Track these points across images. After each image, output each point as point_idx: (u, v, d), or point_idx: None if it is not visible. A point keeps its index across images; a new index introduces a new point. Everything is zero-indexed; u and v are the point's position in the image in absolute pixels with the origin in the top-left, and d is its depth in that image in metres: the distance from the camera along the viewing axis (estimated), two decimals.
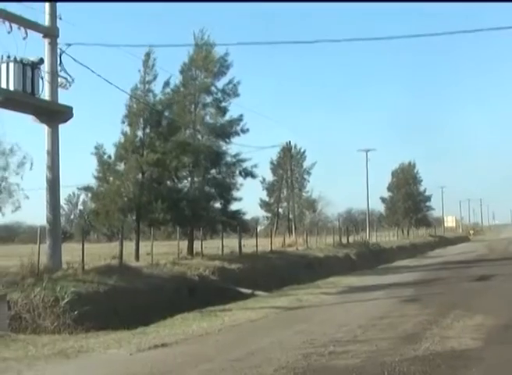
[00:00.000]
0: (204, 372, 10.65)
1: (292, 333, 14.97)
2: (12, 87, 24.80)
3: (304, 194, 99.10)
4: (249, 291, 28.70)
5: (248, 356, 11.96)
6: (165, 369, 10.89)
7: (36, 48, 27.48)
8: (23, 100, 25.49)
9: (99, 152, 37.42)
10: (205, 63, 41.25)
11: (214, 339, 14.54)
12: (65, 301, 18.61)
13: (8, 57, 24.84)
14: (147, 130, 38.02)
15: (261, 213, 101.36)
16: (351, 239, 61.42)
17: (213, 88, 41.73)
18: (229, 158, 41.75)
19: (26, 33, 25.54)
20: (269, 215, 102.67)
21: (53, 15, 27.08)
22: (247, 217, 50.12)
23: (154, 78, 38.04)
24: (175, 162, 37.87)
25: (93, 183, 38.38)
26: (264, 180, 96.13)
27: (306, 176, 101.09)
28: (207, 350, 13.02)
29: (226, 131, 41.49)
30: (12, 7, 25.01)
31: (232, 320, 17.74)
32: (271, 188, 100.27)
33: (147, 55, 37.52)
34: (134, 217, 37.82)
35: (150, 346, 12.95)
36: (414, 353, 11.95)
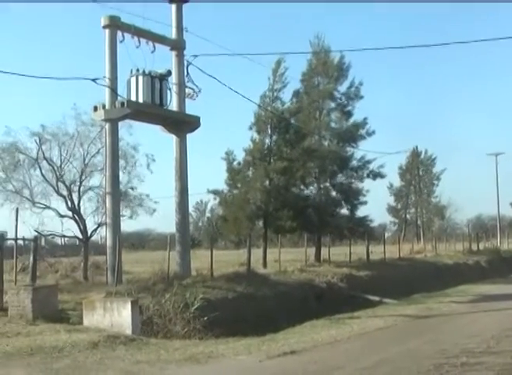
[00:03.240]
0: None
1: (422, 343, 14.64)
2: (141, 100, 25.57)
3: (432, 199, 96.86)
4: (377, 299, 28.34)
5: (378, 365, 11.77)
6: None
7: (163, 60, 28.22)
8: (152, 111, 26.22)
9: (229, 158, 37.91)
10: (325, 69, 41.22)
11: (343, 347, 14.42)
12: (195, 307, 18.90)
13: (138, 70, 25.64)
14: (275, 138, 38.21)
15: (388, 220, 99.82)
16: (481, 246, 59.54)
17: (336, 93, 41.62)
18: (354, 163, 41.44)
19: (154, 47, 26.31)
20: (397, 221, 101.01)
21: (179, 28, 27.76)
22: (374, 224, 49.55)
23: (284, 86, 38.22)
24: (301, 170, 37.92)
25: (221, 189, 38.94)
26: (391, 185, 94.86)
27: (435, 182, 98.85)
28: (336, 358, 12.91)
29: (352, 135, 41.18)
30: (139, 22, 25.81)
31: (361, 328, 17.55)
32: (398, 194, 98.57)
33: (278, 63, 37.73)
34: (262, 224, 38.05)
35: (279, 353, 12.94)
36: None
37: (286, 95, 38.95)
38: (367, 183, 41.85)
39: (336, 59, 41.51)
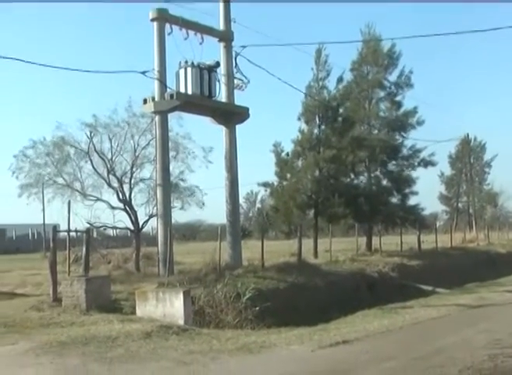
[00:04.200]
0: (387, 370, 10.46)
1: (475, 333, 14.44)
2: (190, 91, 25.64)
3: (484, 187, 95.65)
4: (429, 288, 28.08)
5: (431, 355, 11.64)
6: (346, 367, 10.81)
7: (211, 52, 28.27)
8: (201, 103, 26.28)
9: (277, 150, 37.92)
10: (374, 58, 40.90)
11: (395, 336, 14.31)
12: (247, 297, 18.95)
13: (186, 62, 25.69)
14: (323, 127, 38.08)
15: (439, 208, 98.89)
16: None
17: (385, 82, 41.29)
18: (405, 151, 41.12)
19: (202, 39, 26.34)
20: (448, 209, 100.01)
21: (227, 19, 27.77)
22: (426, 213, 49.06)
23: (328, 75, 38.12)
24: (351, 158, 37.77)
25: (271, 180, 38.96)
26: (442, 174, 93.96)
27: (486, 169, 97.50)
28: (388, 348, 12.82)
29: (401, 124, 40.85)
30: (187, 14, 25.87)
31: (414, 318, 17.38)
32: (449, 182, 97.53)
33: (318, 51, 37.62)
34: (312, 214, 38.00)
35: (331, 343, 12.90)
36: None
37: (332, 84, 38.85)
38: (417, 172, 41.58)
39: (386, 48, 41.22)
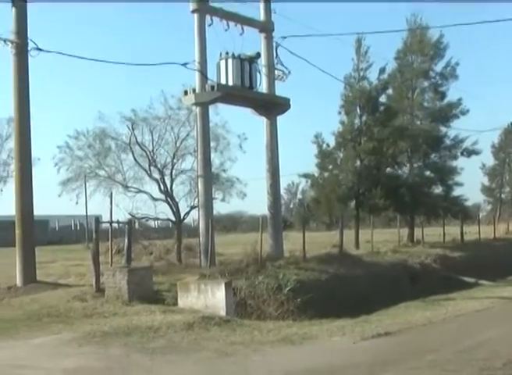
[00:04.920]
0: (429, 362, 10.35)
1: None
2: (231, 82, 25.63)
3: None
4: (472, 280, 27.76)
5: (474, 348, 11.48)
6: (389, 359, 10.73)
7: (251, 43, 28.20)
8: (242, 94, 26.26)
9: (318, 141, 37.83)
10: (420, 47, 40.49)
11: (438, 329, 14.17)
12: (288, 288, 18.92)
13: (227, 53, 25.67)
14: (364, 118, 37.88)
15: (481, 199, 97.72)
16: None
17: (430, 72, 40.84)
18: (448, 142, 40.68)
19: (243, 30, 26.30)
20: (491, 200, 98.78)
21: (267, 10, 27.69)
22: (468, 203, 48.52)
23: (370, 65, 37.89)
24: (392, 149, 37.50)
25: (312, 171, 38.91)
26: (484, 165, 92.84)
27: None
28: (431, 340, 12.70)
29: (445, 115, 40.43)
30: (228, 5, 25.85)
31: (457, 310, 17.20)
32: (492, 173, 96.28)
33: (358, 41, 37.40)
34: (353, 205, 37.87)
35: (373, 334, 12.81)
36: None
37: (373, 75, 38.62)
38: (460, 162, 41.17)
39: (433, 38, 40.74)
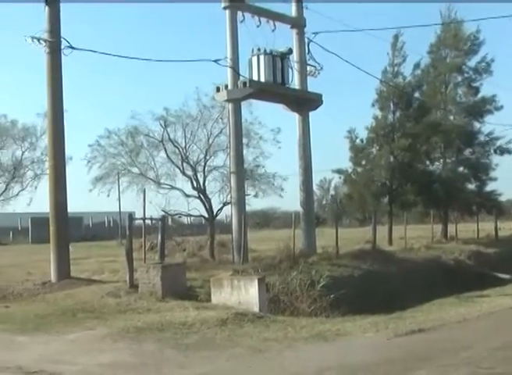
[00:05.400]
0: (464, 359, 10.24)
1: None
2: (263, 79, 25.64)
3: None
4: (507, 277, 27.50)
5: (509, 345, 11.28)
6: (423, 355, 10.64)
7: (283, 39, 28.17)
8: (274, 90, 26.25)
9: (351, 136, 37.72)
10: (454, 42, 40.10)
11: (472, 326, 14.02)
12: (321, 284, 18.86)
13: (259, 50, 25.68)
14: (398, 113, 37.69)
15: None
16: None
17: (464, 67, 40.43)
18: (482, 138, 40.28)
19: (275, 26, 26.27)
20: None
21: (299, 6, 27.64)
22: (502, 199, 47.98)
23: (404, 60, 37.70)
24: (426, 145, 37.27)
25: (345, 167, 38.82)
26: None
27: None
28: (465, 337, 12.57)
29: (479, 110, 40.02)
30: (259, 2, 25.85)
31: (491, 307, 17.01)
32: None
33: (395, 37, 37.20)
34: (387, 201, 37.71)
35: (407, 331, 12.72)
36: None
37: (407, 70, 38.40)
38: (496, 158, 40.72)
39: (468, 32, 40.31)
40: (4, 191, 29.37)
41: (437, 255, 29.53)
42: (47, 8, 20.76)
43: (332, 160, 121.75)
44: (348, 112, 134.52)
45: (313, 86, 28.29)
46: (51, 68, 21.04)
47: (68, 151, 22.24)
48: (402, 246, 31.42)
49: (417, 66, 38.93)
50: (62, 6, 20.95)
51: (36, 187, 29.55)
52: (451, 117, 40.87)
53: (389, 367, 9.68)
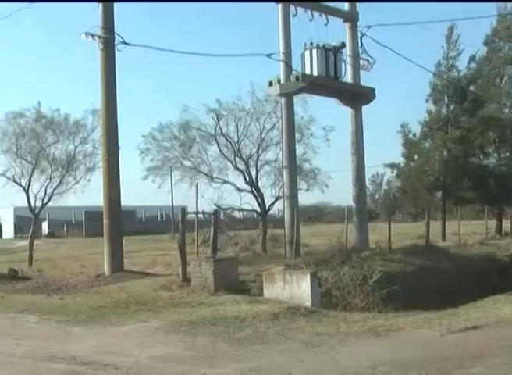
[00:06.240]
0: None
1: None
2: (316, 73, 25.55)
3: None
4: None
5: None
6: (477, 353, 10.51)
7: (336, 32, 28.04)
8: (327, 84, 26.15)
9: (404, 130, 37.42)
10: (508, 34, 39.44)
11: None
12: (374, 279, 18.74)
13: (311, 44, 25.59)
14: (452, 107, 37.24)
15: None
16: None
17: None
18: None
19: (327, 20, 26.13)
20: None
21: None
22: None
23: (459, 54, 37.19)
24: (480, 139, 36.76)
25: (397, 161, 38.55)
26: None
27: None
28: None
29: None
30: None
31: None
32: None
33: (450, 29, 36.73)
34: (440, 196, 37.34)
35: (460, 328, 12.57)
36: None
37: (462, 63, 37.90)
38: None
39: None
40: (58, 185, 29.81)
41: (491, 251, 29.12)
42: (101, 5, 21.06)
43: (385, 155, 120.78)
44: (401, 106, 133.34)
45: (367, 80, 28.13)
46: (105, 63, 21.32)
47: (120, 142, 22.53)
48: (455, 242, 31.09)
49: (472, 58, 38.44)
50: (122, 5, 21.22)
51: (89, 181, 29.94)
52: (506, 110, 40.20)
53: (443, 364, 9.59)
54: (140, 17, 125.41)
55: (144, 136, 29.66)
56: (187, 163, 29.55)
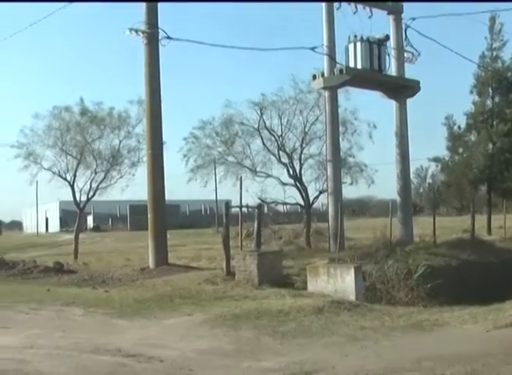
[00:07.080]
0: None
1: None
2: (359, 66, 25.46)
3: None
4: None
5: None
6: None
7: (380, 25, 27.87)
8: (371, 77, 26.03)
9: (449, 123, 37.03)
10: None
11: None
12: (418, 273, 18.63)
13: (355, 37, 25.49)
14: (497, 99, 36.75)
15: None
16: None
17: None
18: None
19: (371, 12, 25.98)
20: None
21: None
22: None
23: (503, 44, 36.63)
24: None
25: (442, 154, 38.18)
26: None
27: None
28: None
29: None
30: None
31: None
32: None
33: (492, 19, 36.21)
34: (485, 189, 36.90)
35: (507, 323, 12.38)
36: None
37: (506, 54, 37.33)
38: None
39: None
40: (103, 179, 30.16)
41: None
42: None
43: (430, 148, 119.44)
44: (446, 99, 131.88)
45: (412, 72, 27.90)
46: (149, 59, 21.49)
47: (164, 138, 22.72)
48: (501, 236, 30.70)
49: None
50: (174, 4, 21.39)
51: (134, 175, 30.22)
52: None
53: (488, 360, 9.49)
54: (180, 14, 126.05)
55: (185, 138, 29.75)
56: (231, 159, 29.63)
